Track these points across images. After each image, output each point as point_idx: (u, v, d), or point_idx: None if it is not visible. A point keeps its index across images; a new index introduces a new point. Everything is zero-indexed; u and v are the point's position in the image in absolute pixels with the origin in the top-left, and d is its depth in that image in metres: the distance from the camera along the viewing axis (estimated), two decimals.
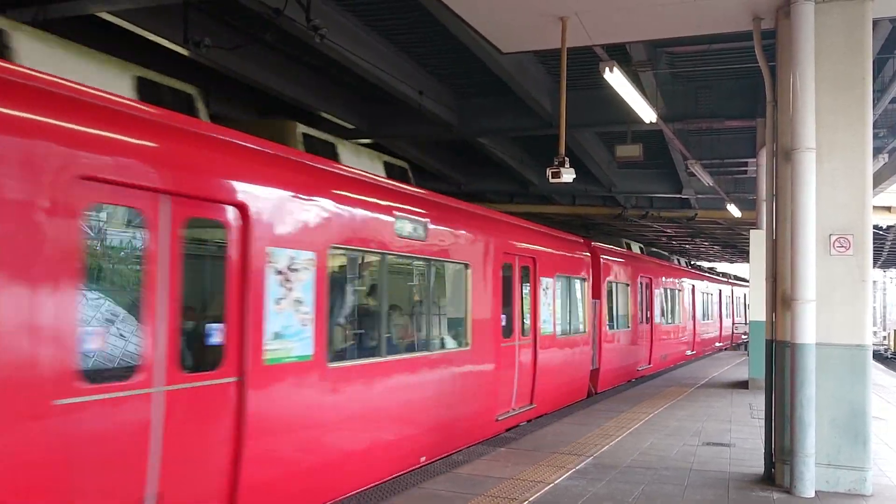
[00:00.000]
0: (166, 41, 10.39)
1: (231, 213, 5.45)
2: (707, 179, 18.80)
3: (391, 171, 8.73)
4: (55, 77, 4.46)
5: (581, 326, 13.74)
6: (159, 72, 5.84)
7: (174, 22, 10.14)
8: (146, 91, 5.52)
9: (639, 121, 12.25)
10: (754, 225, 16.01)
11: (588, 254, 14.41)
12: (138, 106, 4.99)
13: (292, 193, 6.06)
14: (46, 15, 9.13)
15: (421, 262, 8.54)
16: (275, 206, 5.82)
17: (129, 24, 9.90)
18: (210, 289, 5.77)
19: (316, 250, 6.22)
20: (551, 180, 8.61)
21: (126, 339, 4.91)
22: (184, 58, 11.20)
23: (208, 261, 5.79)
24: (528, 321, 11.21)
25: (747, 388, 15.23)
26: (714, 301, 30.39)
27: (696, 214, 25.53)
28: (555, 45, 8.64)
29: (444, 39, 11.75)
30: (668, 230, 32.70)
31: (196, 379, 5.18)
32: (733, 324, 34.92)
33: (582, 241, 14.61)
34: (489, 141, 17.41)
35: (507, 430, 10.21)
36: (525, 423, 10.87)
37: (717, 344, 30.88)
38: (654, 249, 24.11)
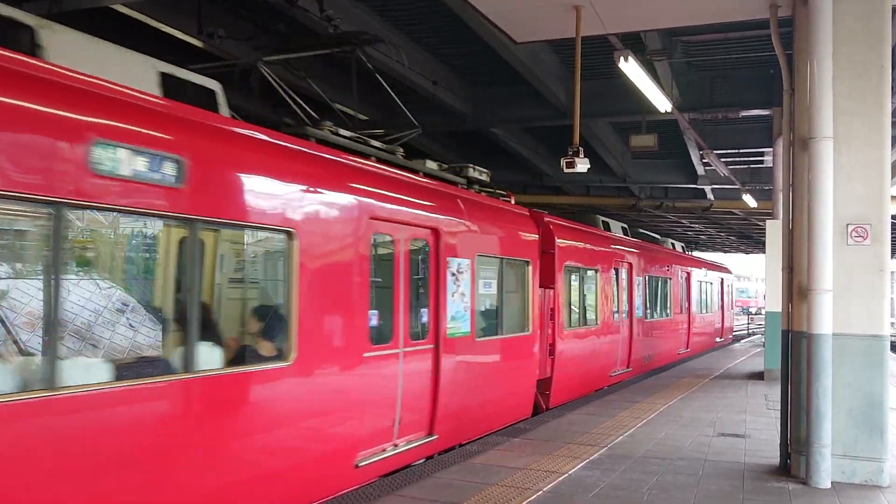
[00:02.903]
0: (180, 33, 10.43)
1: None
2: (723, 169, 18.71)
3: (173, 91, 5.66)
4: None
5: (522, 324, 10.39)
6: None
7: (188, 13, 10.19)
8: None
9: (654, 110, 12.20)
10: (770, 215, 15.93)
11: (535, 232, 10.83)
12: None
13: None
14: (61, 7, 9.18)
15: (163, 222, 5.23)
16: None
17: (143, 16, 9.94)
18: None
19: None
20: (566, 170, 8.59)
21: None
22: (195, 49, 11.24)
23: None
24: (424, 319, 7.94)
25: (763, 378, 15.14)
26: (714, 291, 26.69)
27: (712, 205, 25.41)
28: (569, 34, 8.61)
29: (457, 29, 11.72)
30: (684, 221, 32.54)
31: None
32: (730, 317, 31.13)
33: (527, 213, 11.05)
34: (503, 131, 17.38)
35: (384, 475, 7.18)
36: (422, 461, 7.91)
37: (718, 339, 27.29)
38: (643, 231, 20.80)
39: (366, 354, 6.77)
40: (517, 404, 10.28)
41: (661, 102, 11.27)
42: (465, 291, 8.64)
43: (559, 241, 12.01)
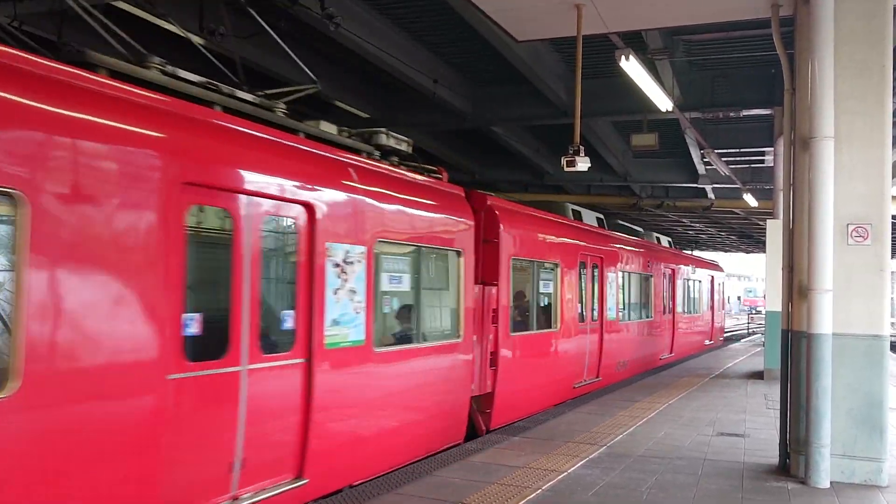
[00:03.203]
0: (182, 30, 10.42)
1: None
2: (723, 169, 18.72)
3: None
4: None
5: (450, 329, 8.51)
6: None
7: (189, 10, 10.18)
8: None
9: (655, 109, 12.19)
10: (771, 215, 15.92)
11: (470, 217, 8.82)
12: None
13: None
14: (63, 5, 9.18)
15: None
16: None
17: (144, 13, 9.94)
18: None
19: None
20: (566, 169, 8.60)
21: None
22: (197, 46, 11.23)
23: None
24: (289, 324, 5.92)
25: (763, 378, 15.14)
26: (704, 290, 24.54)
27: (713, 204, 25.40)
28: (570, 32, 8.61)
29: (458, 28, 11.72)
30: (684, 220, 32.54)
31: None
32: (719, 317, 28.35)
33: (461, 192, 9.00)
34: (504, 130, 17.37)
35: None
36: None
37: (708, 342, 25.09)
38: (623, 223, 18.88)
39: (173, 376, 4.74)
40: (441, 429, 8.15)
41: (663, 101, 11.26)
42: (358, 288, 6.54)
43: (506, 229, 9.85)
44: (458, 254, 8.51)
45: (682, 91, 13.97)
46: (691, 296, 22.53)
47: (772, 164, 17.56)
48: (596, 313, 13.70)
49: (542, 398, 11.25)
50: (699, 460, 7.71)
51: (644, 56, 10.97)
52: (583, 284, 13.14)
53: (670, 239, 22.12)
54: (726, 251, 56.17)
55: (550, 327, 11.63)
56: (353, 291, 6.53)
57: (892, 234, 7.19)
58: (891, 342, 7.60)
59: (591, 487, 6.55)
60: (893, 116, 7.51)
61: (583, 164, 8.51)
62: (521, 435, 8.93)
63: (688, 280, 21.89)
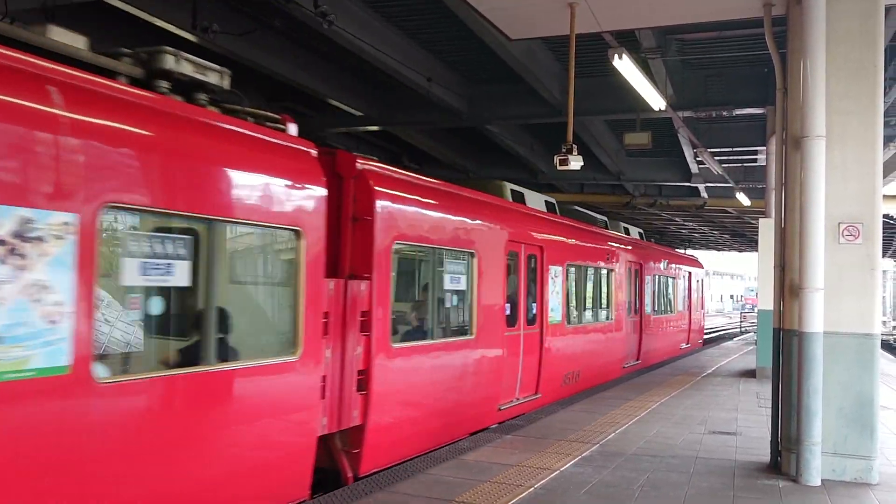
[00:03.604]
0: (174, 27, 10.38)
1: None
2: (716, 168, 18.76)
3: None
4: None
5: (278, 342, 6.08)
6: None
7: (182, 7, 10.14)
8: None
9: (648, 108, 12.21)
10: (763, 214, 15.95)
11: (320, 182, 6.24)
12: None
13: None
14: (55, 1, 9.14)
15: None
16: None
17: (136, 10, 9.89)
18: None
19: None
20: (559, 167, 8.60)
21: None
22: (191, 44, 11.20)
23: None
24: None
25: (755, 376, 15.21)
26: (679, 288, 22.13)
27: (705, 203, 25.47)
28: (563, 31, 8.60)
29: (452, 26, 11.72)
30: (677, 219, 32.63)
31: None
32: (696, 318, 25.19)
33: (310, 150, 6.30)
34: (498, 128, 17.38)
35: None
36: None
37: (684, 346, 22.91)
38: (581, 210, 16.44)
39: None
40: (260, 487, 5.64)
41: (656, 100, 11.28)
42: (56, 282, 4.09)
43: (386, 204, 7.44)
44: (296, 235, 5.92)
45: (674, 90, 13.99)
46: (664, 294, 20.30)
47: (764, 164, 17.62)
48: (534, 315, 11.29)
49: (448, 427, 8.69)
50: (691, 458, 7.74)
51: (637, 55, 10.99)
52: (515, 280, 10.70)
53: (641, 231, 19.91)
54: (719, 250, 56.38)
55: (463, 335, 9.17)
56: (39, 287, 4.00)
57: (884, 233, 7.21)
58: (882, 341, 7.64)
59: (584, 486, 6.57)
60: (884, 116, 7.54)
61: (576, 162, 8.51)
62: (513, 433, 8.94)
63: (659, 276, 19.58)
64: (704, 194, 24.91)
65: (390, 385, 7.50)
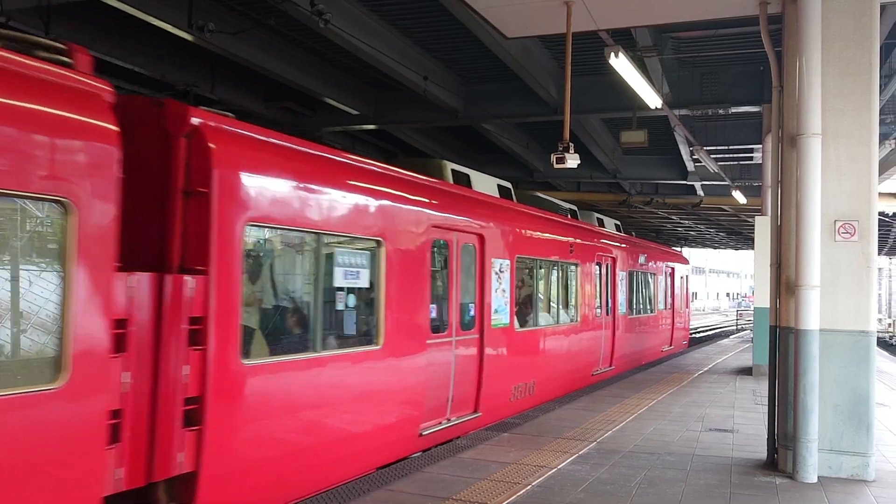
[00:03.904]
0: (170, 26, 10.37)
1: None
2: (712, 166, 18.78)
3: None
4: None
5: (16, 364, 4.17)
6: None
7: (178, 6, 10.13)
8: None
9: (644, 107, 12.23)
10: (759, 211, 16.00)
11: (106, 139, 4.49)
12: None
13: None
14: (51, 0, 9.12)
15: None
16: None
17: (132, 9, 9.87)
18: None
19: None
20: (556, 166, 8.60)
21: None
22: (188, 43, 11.19)
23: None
24: None
25: (751, 374, 15.24)
26: (659, 286, 20.16)
27: (702, 201, 25.53)
28: (560, 29, 8.61)
29: (449, 24, 11.72)
30: (674, 217, 32.68)
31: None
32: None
33: (104, 90, 4.58)
34: (494, 127, 17.38)
35: None
36: None
37: (665, 348, 21.13)
38: (543, 196, 14.84)
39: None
40: None
41: (652, 99, 11.30)
42: None
43: (228, 173, 5.55)
44: (63, 209, 4.25)
45: (671, 88, 14.02)
46: (642, 292, 18.47)
47: (760, 161, 17.66)
48: (472, 317, 9.37)
49: (340, 464, 6.87)
50: (688, 456, 7.75)
51: (633, 53, 11.00)
52: (444, 276, 8.87)
53: (618, 222, 18.37)
54: (715, 248, 56.48)
55: (365, 344, 7.29)
56: None
57: (879, 230, 7.23)
58: (877, 338, 7.66)
59: (581, 483, 6.58)
60: (880, 114, 7.56)
61: (572, 161, 8.52)
62: (510, 431, 8.95)
63: (637, 272, 17.74)
64: (700, 192, 24.97)
65: (241, 416, 5.64)
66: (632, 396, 11.92)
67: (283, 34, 12.25)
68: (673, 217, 32.88)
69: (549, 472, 6.92)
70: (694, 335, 39.67)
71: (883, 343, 33.24)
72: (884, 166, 16.03)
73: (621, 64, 9.56)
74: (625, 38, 11.29)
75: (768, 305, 7.72)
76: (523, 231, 11.08)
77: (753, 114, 16.25)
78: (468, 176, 10.38)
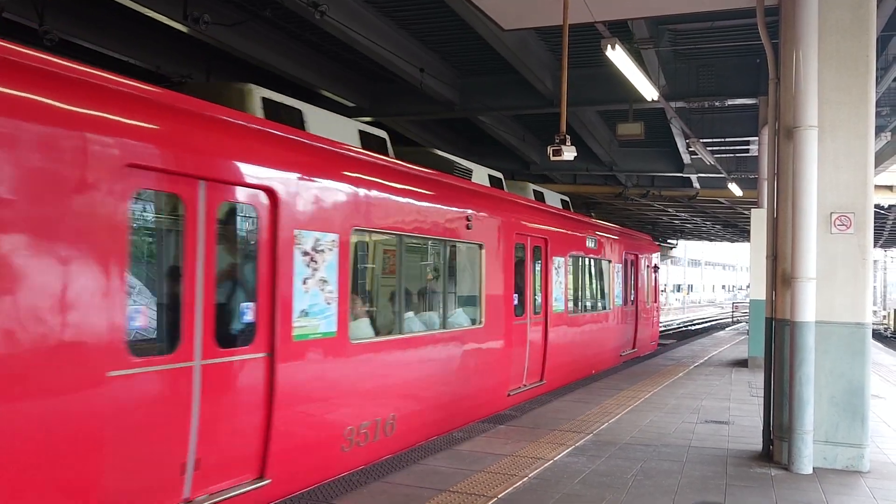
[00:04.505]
0: (165, 18, 10.32)
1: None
2: (709, 158, 18.77)
3: None
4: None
5: None
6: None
7: None
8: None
9: (641, 99, 12.21)
10: (756, 204, 16.00)
11: None
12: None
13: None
14: None
15: None
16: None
17: (127, 1, 9.81)
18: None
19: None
20: (552, 158, 8.59)
21: None
22: (183, 35, 11.13)
23: None
24: None
25: (747, 366, 15.29)
26: (618, 276, 16.58)
27: (698, 193, 25.54)
28: (556, 21, 8.59)
29: (445, 16, 11.68)
30: (670, 209, 32.71)
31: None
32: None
33: None
34: (491, 119, 17.36)
35: None
36: None
37: (625, 352, 17.28)
38: (435, 151, 10.11)
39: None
40: None
41: (648, 91, 11.28)
42: None
43: None
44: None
45: (667, 80, 14.01)
46: (592, 284, 15.15)
47: (756, 154, 17.65)
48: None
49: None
50: (684, 447, 7.78)
51: (630, 45, 10.98)
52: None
53: (566, 198, 14.97)
54: (711, 240, 56.55)
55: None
56: None
57: (875, 222, 7.24)
58: (873, 330, 7.69)
59: (578, 475, 6.60)
60: (876, 106, 7.57)
61: (569, 153, 8.51)
62: (507, 423, 8.97)
63: (583, 259, 14.28)
64: (697, 185, 24.97)
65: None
66: (628, 389, 11.96)
67: (278, 26, 12.21)
68: (669, 209, 32.90)
69: (546, 464, 6.94)
70: (689, 328, 39.76)
71: (878, 335, 33.37)
72: (879, 158, 16.04)
73: (618, 56, 9.54)
74: (621, 31, 11.27)
75: (764, 297, 7.74)
76: (400, 199, 7.80)
77: (750, 106, 16.26)
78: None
